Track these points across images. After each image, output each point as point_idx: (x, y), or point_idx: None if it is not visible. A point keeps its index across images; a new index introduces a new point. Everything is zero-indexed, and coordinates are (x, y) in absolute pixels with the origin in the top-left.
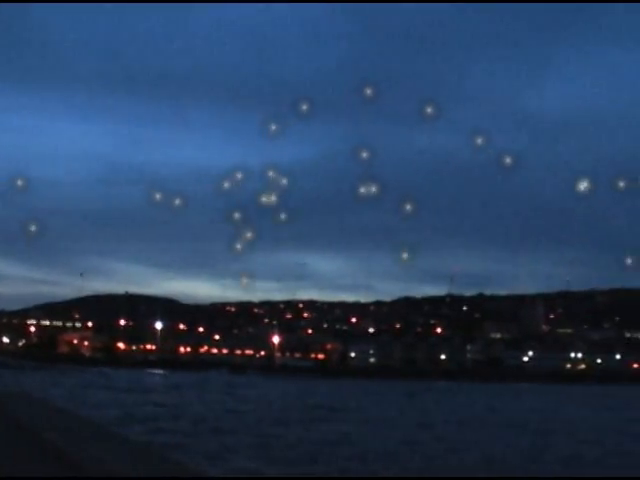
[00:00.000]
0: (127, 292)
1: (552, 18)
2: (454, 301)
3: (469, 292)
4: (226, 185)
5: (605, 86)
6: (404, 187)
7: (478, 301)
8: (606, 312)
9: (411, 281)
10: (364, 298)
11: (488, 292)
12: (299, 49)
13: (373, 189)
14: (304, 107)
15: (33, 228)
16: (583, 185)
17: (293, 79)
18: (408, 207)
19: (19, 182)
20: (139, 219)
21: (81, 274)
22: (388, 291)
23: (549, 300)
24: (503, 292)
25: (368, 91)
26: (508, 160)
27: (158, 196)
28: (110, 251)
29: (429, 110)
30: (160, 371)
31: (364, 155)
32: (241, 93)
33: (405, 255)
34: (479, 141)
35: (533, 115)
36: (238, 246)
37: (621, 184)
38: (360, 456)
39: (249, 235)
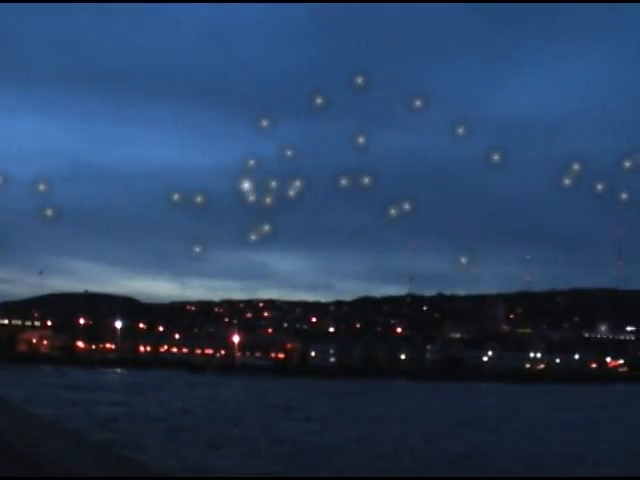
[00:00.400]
0: (87, 291)
1: (516, 17)
2: (414, 301)
3: (429, 292)
4: (189, 183)
5: (568, 86)
6: (366, 188)
7: (438, 301)
8: (565, 312)
9: (371, 281)
10: (324, 298)
11: (448, 292)
12: (261, 48)
13: (341, 186)
14: (266, 106)
15: None
16: (546, 186)
17: (255, 78)
18: (370, 207)
19: None
20: (99, 217)
21: (40, 272)
22: (348, 291)
23: (509, 300)
24: (463, 292)
25: (330, 91)
26: (470, 161)
27: (119, 194)
28: (70, 249)
29: (393, 110)
30: (120, 370)
31: (323, 155)
32: (202, 92)
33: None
34: (442, 142)
35: (497, 115)
36: (197, 246)
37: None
38: (298, 452)
39: (210, 234)
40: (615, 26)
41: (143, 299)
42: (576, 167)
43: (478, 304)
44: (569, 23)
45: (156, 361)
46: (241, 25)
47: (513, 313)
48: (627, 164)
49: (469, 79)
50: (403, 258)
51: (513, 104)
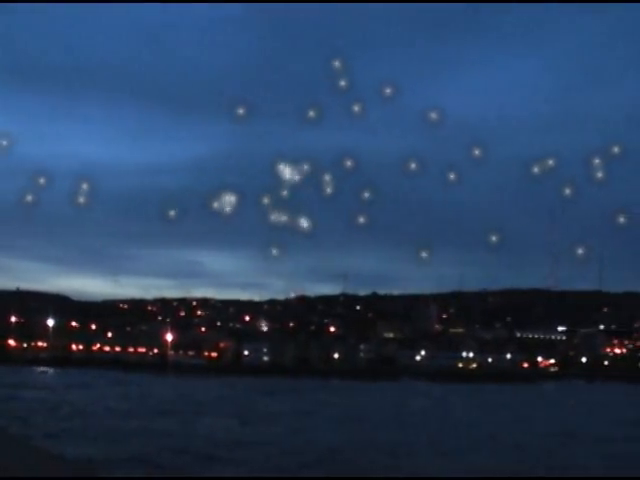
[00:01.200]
0: (18, 288)
1: (458, 18)
2: (348, 300)
3: (363, 291)
4: (122, 181)
5: (504, 90)
6: (298, 186)
7: (372, 301)
8: (497, 312)
9: (305, 280)
10: (258, 296)
11: (382, 292)
12: (195, 48)
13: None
14: (201, 106)
15: None
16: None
17: (191, 77)
18: (302, 206)
19: None
20: (31, 214)
21: None
22: (282, 290)
23: (442, 300)
24: (396, 292)
25: (263, 90)
26: (402, 162)
27: (51, 191)
28: (1, 246)
29: (325, 110)
30: (51, 369)
31: (257, 154)
32: (139, 89)
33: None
34: (379, 142)
35: (431, 116)
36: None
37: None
38: (184, 448)
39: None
40: (555, 29)
41: (75, 297)
42: (515, 168)
43: (411, 304)
44: (512, 25)
45: (89, 360)
46: (175, 24)
47: (446, 313)
48: (621, 218)
49: (408, 80)
50: (337, 257)
51: (455, 105)
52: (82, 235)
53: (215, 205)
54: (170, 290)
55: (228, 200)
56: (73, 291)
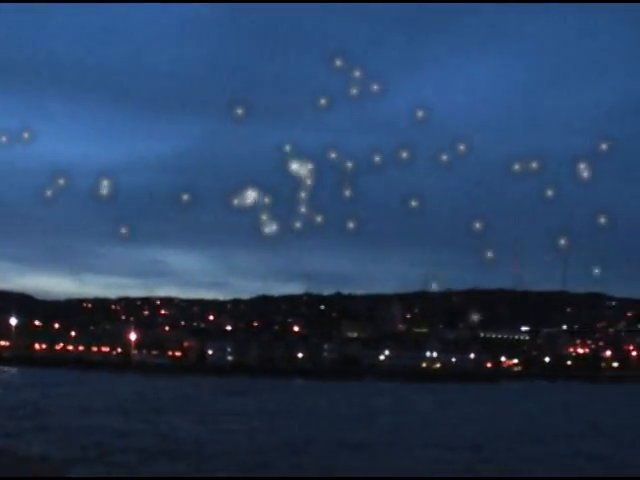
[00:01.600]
0: None
1: (422, 19)
2: (312, 300)
3: (327, 291)
4: (86, 178)
5: (474, 88)
6: (264, 186)
7: (336, 300)
8: (461, 312)
9: (269, 279)
10: (222, 296)
11: (346, 291)
12: (166, 46)
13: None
14: (168, 104)
15: None
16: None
17: (158, 76)
18: (266, 205)
19: None
20: None
21: None
22: (246, 289)
23: (406, 300)
24: (360, 292)
25: (230, 91)
26: (361, 161)
27: (14, 189)
28: None
29: (288, 109)
30: (14, 368)
31: (221, 152)
32: (105, 88)
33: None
34: (346, 140)
35: (402, 114)
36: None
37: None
38: (139, 448)
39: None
40: (522, 29)
41: (39, 296)
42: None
43: (375, 304)
44: (477, 25)
45: (52, 359)
46: (143, 22)
47: (410, 313)
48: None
49: (373, 79)
50: (301, 257)
51: (419, 104)
52: (46, 234)
53: (235, 201)
54: (134, 289)
55: (249, 195)
56: (36, 290)
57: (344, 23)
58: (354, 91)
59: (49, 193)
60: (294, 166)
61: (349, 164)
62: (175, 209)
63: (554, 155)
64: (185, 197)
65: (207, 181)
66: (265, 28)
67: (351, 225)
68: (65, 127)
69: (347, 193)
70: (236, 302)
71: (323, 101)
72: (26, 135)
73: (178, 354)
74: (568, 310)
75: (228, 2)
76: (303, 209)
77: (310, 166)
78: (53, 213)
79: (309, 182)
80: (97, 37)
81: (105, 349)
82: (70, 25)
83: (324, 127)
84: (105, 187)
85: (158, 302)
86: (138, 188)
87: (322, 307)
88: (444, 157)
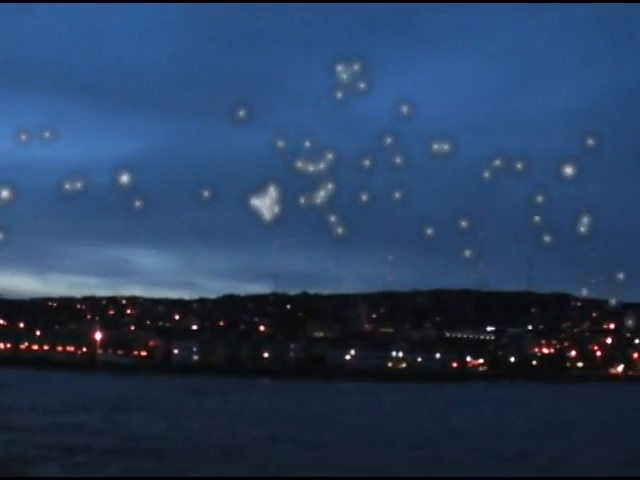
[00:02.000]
0: None
1: (388, 19)
2: (278, 300)
3: (293, 291)
4: (57, 177)
5: (433, 91)
6: (229, 185)
7: (302, 300)
8: (427, 312)
9: (236, 279)
10: (188, 295)
11: (312, 291)
12: (130, 44)
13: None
14: (135, 103)
15: None
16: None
17: (125, 75)
18: (232, 204)
19: None
20: None
21: None
22: (212, 288)
23: (372, 300)
24: (327, 291)
25: (197, 89)
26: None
27: None
28: None
29: (253, 110)
30: None
31: (187, 152)
32: (71, 86)
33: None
34: (306, 142)
35: (370, 117)
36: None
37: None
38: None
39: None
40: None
41: (3, 295)
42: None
43: (342, 303)
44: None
45: (16, 358)
46: (111, 22)
47: (376, 312)
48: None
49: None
50: (267, 256)
51: (386, 106)
52: (10, 232)
53: (256, 202)
54: (99, 288)
55: (270, 195)
56: (1, 289)
57: (308, 25)
58: (336, 92)
59: (11, 191)
60: (265, 166)
61: (321, 165)
62: (141, 208)
63: (538, 156)
64: (151, 196)
65: (174, 181)
66: (231, 29)
67: (319, 225)
68: (29, 125)
69: (317, 193)
70: (202, 301)
71: (297, 100)
72: None
73: (144, 354)
74: (533, 310)
75: (195, 3)
76: (272, 209)
77: (280, 165)
78: (17, 211)
79: (277, 182)
80: (64, 36)
81: (70, 349)
82: (39, 23)
83: (298, 126)
84: (70, 186)
85: (124, 302)
86: (103, 187)
87: (288, 307)
88: (417, 157)
